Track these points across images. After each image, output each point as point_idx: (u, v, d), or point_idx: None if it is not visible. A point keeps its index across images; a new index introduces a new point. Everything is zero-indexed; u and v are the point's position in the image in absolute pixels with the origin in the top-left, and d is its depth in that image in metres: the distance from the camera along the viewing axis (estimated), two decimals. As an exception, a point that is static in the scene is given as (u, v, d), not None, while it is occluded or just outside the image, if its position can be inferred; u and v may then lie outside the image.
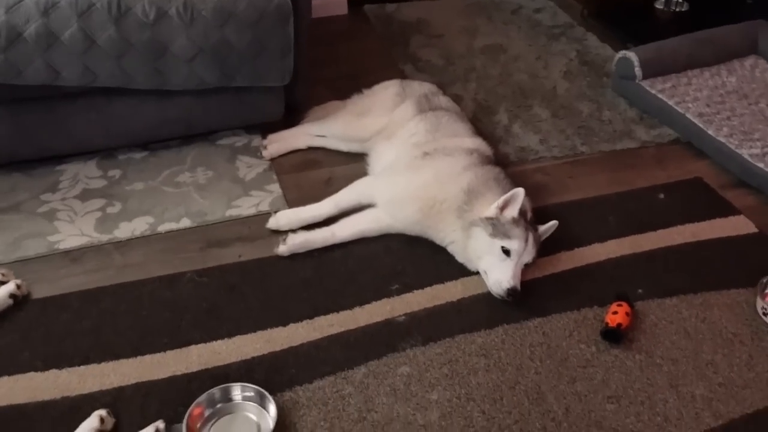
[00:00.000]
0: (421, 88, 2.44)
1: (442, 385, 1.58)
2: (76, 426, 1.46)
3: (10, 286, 1.79)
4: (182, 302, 1.81)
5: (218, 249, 2.01)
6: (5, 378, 1.60)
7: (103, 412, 1.47)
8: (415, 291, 1.83)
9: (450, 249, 1.94)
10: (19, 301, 1.79)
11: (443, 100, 2.40)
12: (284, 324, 1.75)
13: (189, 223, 2.10)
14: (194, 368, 1.63)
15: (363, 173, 2.25)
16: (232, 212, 2.15)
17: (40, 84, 2.11)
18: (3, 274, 1.84)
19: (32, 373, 1.61)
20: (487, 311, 1.77)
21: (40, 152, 2.33)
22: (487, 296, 1.80)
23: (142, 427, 1.46)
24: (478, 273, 1.86)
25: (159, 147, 2.44)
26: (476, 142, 2.17)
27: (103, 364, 1.63)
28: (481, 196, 1.90)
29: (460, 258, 1.92)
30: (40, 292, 1.84)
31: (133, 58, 2.15)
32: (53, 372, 1.61)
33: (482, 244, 1.81)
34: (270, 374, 1.60)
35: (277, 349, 1.69)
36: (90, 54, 2.11)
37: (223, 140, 2.50)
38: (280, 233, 2.02)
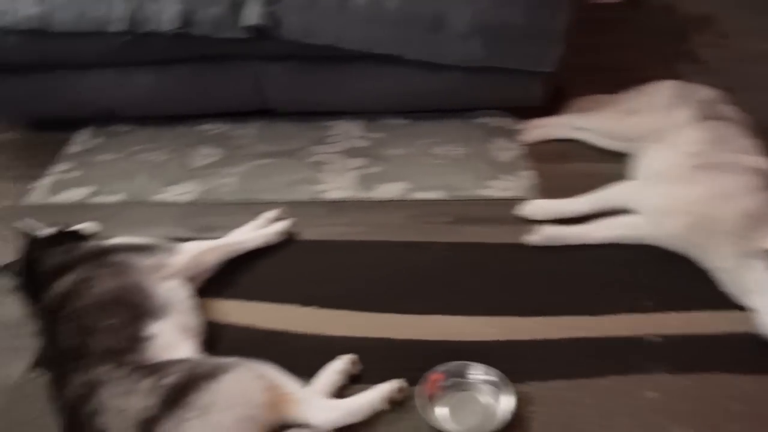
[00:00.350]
0: (702, 92, 2.22)
1: (688, 422, 1.45)
2: (326, 360, 1.57)
3: (284, 224, 1.99)
4: (428, 271, 1.87)
5: (466, 226, 2.04)
6: (273, 305, 1.79)
7: (353, 356, 1.58)
8: (671, 312, 1.69)
9: (716, 274, 1.76)
10: (288, 239, 1.98)
11: (728, 109, 2.16)
12: (523, 314, 1.73)
13: (441, 195, 2.16)
14: (432, 337, 1.68)
15: (623, 174, 2.12)
16: (483, 192, 2.16)
17: (325, 45, 2.28)
18: (279, 212, 2.04)
19: (294, 306, 1.78)
20: (754, 355, 1.58)
21: (315, 107, 2.54)
22: (758, 338, 1.60)
23: (382, 379, 1.53)
24: (748, 308, 1.67)
25: (419, 117, 2.53)
26: (766, 162, 1.93)
27: (354, 312, 1.75)
28: (766, 225, 1.70)
29: (727, 287, 1.73)
30: (305, 234, 2.02)
31: (413, 29, 2.24)
32: (313, 309, 1.76)
33: (761, 279, 1.62)
34: (504, 361, 1.57)
35: (514, 338, 1.67)
36: (375, 21, 2.23)
37: (480, 119, 2.51)
38: (529, 221, 1.99)
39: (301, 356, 1.62)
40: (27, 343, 1.71)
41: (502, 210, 2.07)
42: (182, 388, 1.27)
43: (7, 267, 1.83)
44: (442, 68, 2.33)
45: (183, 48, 2.34)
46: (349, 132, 2.48)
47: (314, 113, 2.56)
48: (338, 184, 2.22)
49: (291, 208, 2.12)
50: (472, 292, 1.80)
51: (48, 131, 2.61)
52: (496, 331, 1.69)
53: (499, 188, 2.17)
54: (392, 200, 2.15)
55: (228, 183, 2.26)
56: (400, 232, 2.02)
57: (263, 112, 2.57)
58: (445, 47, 2.25)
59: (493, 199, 2.13)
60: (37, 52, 2.34)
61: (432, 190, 2.17)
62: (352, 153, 2.37)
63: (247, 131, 2.52)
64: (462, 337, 1.68)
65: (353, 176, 2.26)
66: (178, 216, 2.15)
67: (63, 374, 1.37)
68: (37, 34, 2.27)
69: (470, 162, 2.29)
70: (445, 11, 2.19)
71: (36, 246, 1.74)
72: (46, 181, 2.35)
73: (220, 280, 1.85)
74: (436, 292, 1.80)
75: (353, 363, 1.57)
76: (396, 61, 2.32)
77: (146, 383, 1.29)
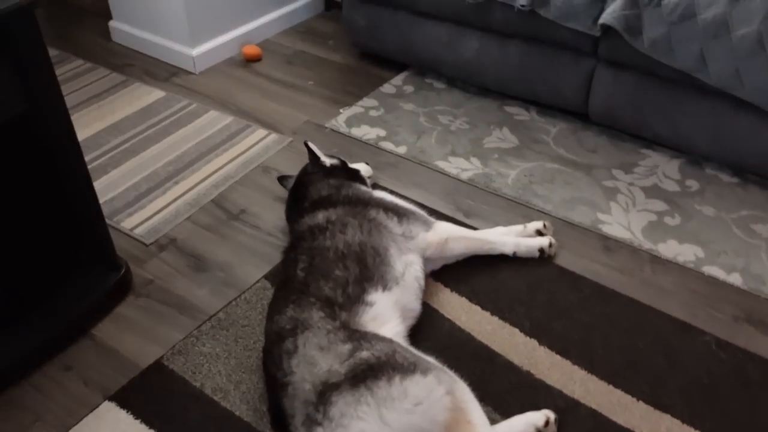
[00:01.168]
0: None
1: None
2: (525, 403, 1.43)
3: (544, 241, 1.81)
4: (684, 361, 1.56)
5: (754, 329, 1.65)
6: (498, 320, 1.65)
7: (552, 416, 1.39)
8: None
9: None
10: (543, 257, 1.81)
11: None
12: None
13: (738, 281, 1.77)
14: (655, 439, 1.41)
15: None
16: (797, 300, 1.72)
17: (680, 69, 1.98)
18: (545, 227, 1.87)
19: (516, 331, 1.62)
20: None
21: (634, 129, 2.26)
22: None
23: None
24: None
25: (753, 180, 2.11)
26: None
27: (576, 367, 1.54)
28: None
29: None
30: (564, 260, 1.82)
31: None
32: (533, 342, 1.60)
33: None
34: None
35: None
36: (751, 61, 1.86)
37: (833, 210, 2.00)
38: None
39: (500, 386, 1.50)
40: (271, 253, 1.84)
41: (813, 332, 1.63)
42: (373, 369, 1.22)
43: (282, 178, 1.98)
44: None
45: (525, 25, 2.24)
46: (660, 168, 2.17)
47: (629, 134, 2.28)
48: (623, 221, 1.96)
49: (561, 226, 1.93)
50: (730, 414, 1.45)
51: (374, 66, 2.74)
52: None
53: (820, 304, 1.71)
54: (675, 262, 1.83)
55: (508, 175, 2.14)
56: (669, 302, 1.71)
57: (575, 115, 2.37)
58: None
59: (807, 315, 1.69)
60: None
61: (729, 270, 1.80)
62: (654, 193, 2.06)
63: (551, 129, 2.35)
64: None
65: (643, 218, 1.97)
66: (447, 189, 2.10)
67: (283, 300, 1.42)
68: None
69: (796, 257, 1.84)
70: None
71: (312, 170, 1.83)
72: (350, 111, 2.47)
73: (457, 272, 1.77)
74: (685, 392, 1.49)
75: (551, 423, 1.38)
76: (757, 111, 1.94)
77: (344, 348, 1.27)
